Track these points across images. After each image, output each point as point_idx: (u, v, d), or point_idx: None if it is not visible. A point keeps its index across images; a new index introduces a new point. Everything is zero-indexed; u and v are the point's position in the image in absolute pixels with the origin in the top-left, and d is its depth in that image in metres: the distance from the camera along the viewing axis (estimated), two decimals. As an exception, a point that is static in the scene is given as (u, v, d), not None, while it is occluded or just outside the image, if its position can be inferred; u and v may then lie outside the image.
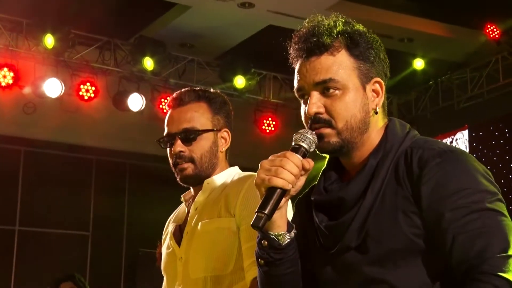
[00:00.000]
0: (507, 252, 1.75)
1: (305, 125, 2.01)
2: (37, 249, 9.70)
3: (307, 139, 1.92)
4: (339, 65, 1.97)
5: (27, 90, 8.54)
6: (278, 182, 1.86)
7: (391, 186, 1.90)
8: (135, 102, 8.88)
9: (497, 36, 9.04)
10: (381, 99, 2.01)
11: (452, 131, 9.67)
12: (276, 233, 1.96)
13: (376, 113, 2.00)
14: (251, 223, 1.85)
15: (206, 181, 2.73)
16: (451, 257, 1.80)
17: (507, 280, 1.71)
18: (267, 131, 9.74)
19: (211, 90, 2.85)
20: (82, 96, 8.65)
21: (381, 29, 8.44)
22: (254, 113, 9.87)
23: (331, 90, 1.96)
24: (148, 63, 8.63)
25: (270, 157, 1.93)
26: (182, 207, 2.87)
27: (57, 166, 9.85)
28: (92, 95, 8.69)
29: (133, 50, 8.76)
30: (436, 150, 1.90)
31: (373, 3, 8.31)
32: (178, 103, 2.76)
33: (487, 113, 9.60)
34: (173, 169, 2.74)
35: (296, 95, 2.05)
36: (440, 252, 1.83)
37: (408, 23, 8.77)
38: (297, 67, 2.04)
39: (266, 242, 1.97)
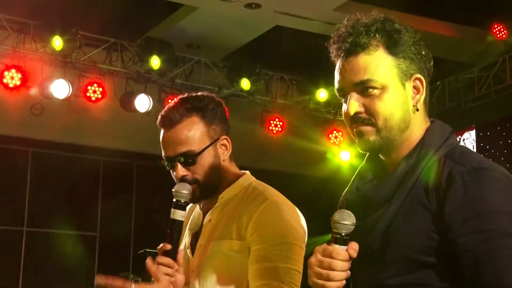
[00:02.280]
0: None
1: (346, 123, 2.01)
2: (45, 250, 9.73)
3: (346, 226, 1.86)
4: (377, 64, 1.96)
5: (34, 91, 8.56)
6: (332, 286, 1.84)
7: (419, 195, 1.88)
8: (142, 103, 8.88)
9: (504, 36, 9.02)
10: (422, 95, 1.99)
11: (460, 131, 9.66)
12: None
13: (418, 110, 1.98)
14: None
15: (220, 196, 2.68)
16: (470, 280, 1.77)
17: None
18: (274, 131, 9.74)
19: (200, 94, 2.72)
20: (90, 97, 8.66)
21: (388, 29, 8.43)
22: (261, 114, 9.86)
23: (370, 90, 1.95)
24: (155, 63, 8.64)
25: (316, 255, 1.87)
26: (197, 211, 2.80)
27: (64, 167, 9.88)
28: (100, 96, 8.69)
29: (140, 51, 8.77)
30: (466, 167, 1.85)
31: (380, 3, 8.28)
32: (169, 123, 2.61)
33: (495, 113, 9.59)
34: None
35: (337, 94, 2.04)
36: (455, 268, 1.80)
37: (415, 23, 8.68)
38: (336, 66, 2.02)
39: None
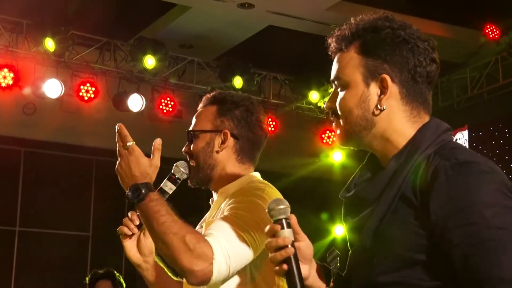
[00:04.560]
0: None
1: None
2: (37, 250, 9.71)
3: (282, 209, 1.97)
4: (346, 62, 2.02)
5: (27, 90, 8.54)
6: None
7: (407, 193, 1.88)
8: (135, 102, 8.88)
9: (496, 36, 9.05)
10: (386, 96, 1.96)
11: (452, 131, 9.67)
12: None
13: (383, 109, 1.96)
14: None
15: (220, 190, 2.79)
16: (460, 274, 1.77)
17: None
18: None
19: (234, 93, 2.92)
20: (82, 96, 8.65)
21: (380, 30, 8.44)
22: (253, 113, 9.84)
23: (339, 88, 2.03)
24: (148, 63, 8.63)
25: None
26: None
27: (57, 166, 9.86)
28: (92, 95, 8.68)
29: (133, 51, 8.76)
30: (451, 161, 1.84)
31: (372, 3, 8.30)
32: (202, 102, 2.89)
33: (487, 113, 9.61)
34: None
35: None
36: (446, 265, 1.80)
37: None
38: None
39: None
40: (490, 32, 9.02)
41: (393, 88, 1.97)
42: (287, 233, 1.93)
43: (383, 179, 1.94)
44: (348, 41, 2.02)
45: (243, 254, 2.46)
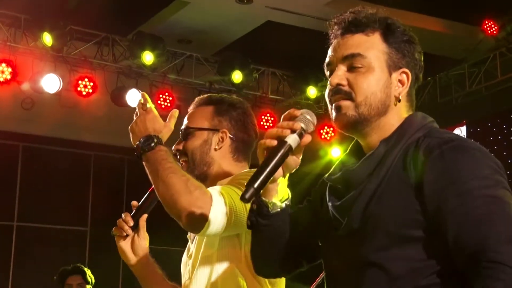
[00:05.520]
0: None
1: (327, 99, 2.07)
2: (35, 245, 9.72)
3: (307, 119, 1.95)
4: (371, 45, 2.01)
5: (25, 85, 8.54)
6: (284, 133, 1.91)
7: (398, 173, 1.90)
8: (134, 97, 8.87)
9: (495, 32, 9.04)
10: (405, 89, 2.03)
11: (450, 127, 9.67)
12: (267, 200, 2.03)
13: (399, 101, 2.02)
14: (240, 196, 1.89)
15: (218, 183, 2.80)
16: (453, 244, 1.78)
17: None
18: (266, 127, 9.73)
19: (230, 96, 2.96)
20: (80, 91, 8.64)
21: (379, 25, 8.44)
22: (252, 109, 9.83)
23: (357, 66, 1.99)
24: (147, 58, 8.62)
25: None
26: None
27: (55, 161, 9.86)
28: (90, 90, 8.67)
29: (131, 46, 8.76)
30: (444, 138, 1.90)
31: (371, -1, 8.32)
32: (194, 103, 2.90)
33: (485, 109, 9.61)
34: None
35: (325, 70, 2.09)
36: (439, 241, 1.81)
37: (406, 19, 8.70)
38: (331, 46, 2.08)
39: (255, 206, 2.05)
40: (488, 28, 9.02)
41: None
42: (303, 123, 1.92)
43: (372, 161, 1.96)
44: (372, 26, 2.03)
45: (240, 211, 2.47)
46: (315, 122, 1.96)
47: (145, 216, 2.80)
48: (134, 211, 2.84)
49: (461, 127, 9.78)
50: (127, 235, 2.82)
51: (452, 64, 9.94)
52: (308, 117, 1.95)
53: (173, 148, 2.81)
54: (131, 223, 2.78)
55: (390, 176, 1.90)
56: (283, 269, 2.24)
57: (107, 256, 10.31)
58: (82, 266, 6.62)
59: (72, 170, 9.98)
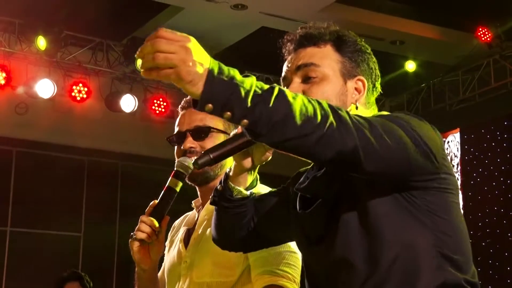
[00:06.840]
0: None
1: None
2: (29, 250, 9.68)
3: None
4: (324, 55, 2.06)
5: (19, 90, 8.53)
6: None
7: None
8: (128, 103, 8.88)
9: (488, 39, 9.07)
10: (362, 96, 2.06)
11: (444, 134, 9.70)
12: (233, 186, 2.13)
13: (357, 108, 2.03)
14: (194, 159, 1.97)
15: None
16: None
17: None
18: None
19: None
20: (75, 97, 8.64)
21: (373, 32, 8.46)
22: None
23: (311, 77, 2.03)
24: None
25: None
26: (192, 213, 2.87)
27: (49, 166, 9.83)
28: (85, 96, 8.68)
29: (125, 51, 8.76)
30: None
31: (365, 5, 8.32)
32: (191, 105, 2.79)
33: (479, 116, 9.64)
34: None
35: (282, 84, 2.12)
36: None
37: (400, 26, 8.80)
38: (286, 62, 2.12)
39: (220, 187, 2.15)
40: (482, 35, 9.05)
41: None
42: None
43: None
44: (323, 39, 2.07)
45: None
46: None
47: (167, 218, 2.59)
48: (151, 212, 2.59)
49: (455, 134, 9.80)
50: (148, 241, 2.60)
51: (446, 70, 9.97)
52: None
53: (187, 145, 2.70)
54: (157, 226, 2.55)
55: (351, 181, 1.91)
56: (245, 248, 2.33)
57: (101, 262, 10.27)
58: (79, 271, 6.56)
59: (66, 175, 9.96)
